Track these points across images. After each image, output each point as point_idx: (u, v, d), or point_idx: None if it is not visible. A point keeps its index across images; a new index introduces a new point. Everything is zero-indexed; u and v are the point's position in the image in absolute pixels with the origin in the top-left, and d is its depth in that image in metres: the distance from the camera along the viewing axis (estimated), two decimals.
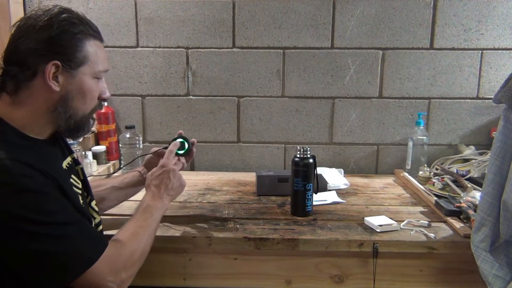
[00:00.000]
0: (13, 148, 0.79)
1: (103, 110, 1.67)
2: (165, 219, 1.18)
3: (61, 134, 0.98)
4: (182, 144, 1.16)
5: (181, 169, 1.20)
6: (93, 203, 1.01)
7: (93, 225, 0.96)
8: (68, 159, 0.98)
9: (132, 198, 1.24)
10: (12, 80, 0.83)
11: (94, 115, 0.98)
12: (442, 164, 1.66)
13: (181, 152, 1.16)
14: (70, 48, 0.84)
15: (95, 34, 0.89)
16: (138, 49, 1.72)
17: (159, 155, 1.21)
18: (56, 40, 0.83)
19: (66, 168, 0.95)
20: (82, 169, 1.03)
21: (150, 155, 1.21)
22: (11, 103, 0.84)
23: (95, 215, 1.00)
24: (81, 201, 0.93)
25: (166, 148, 1.18)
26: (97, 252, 0.82)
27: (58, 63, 0.83)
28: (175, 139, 1.17)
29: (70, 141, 1.09)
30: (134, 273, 0.90)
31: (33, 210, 0.75)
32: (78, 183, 0.97)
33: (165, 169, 1.07)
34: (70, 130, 0.91)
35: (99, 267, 0.81)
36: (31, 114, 0.85)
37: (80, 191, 0.95)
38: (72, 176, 0.96)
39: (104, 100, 0.96)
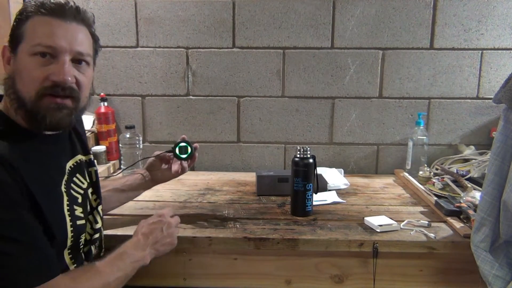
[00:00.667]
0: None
1: (100, 108, 1.67)
2: None
3: (79, 131, 0.98)
4: (185, 148, 1.18)
5: (182, 173, 1.20)
6: (100, 208, 1.00)
7: (91, 228, 0.94)
8: (78, 158, 0.96)
9: (134, 200, 1.24)
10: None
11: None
12: (442, 164, 1.66)
13: (184, 156, 1.18)
14: (13, 30, 0.84)
15: (42, 10, 0.82)
16: (138, 49, 1.72)
17: (161, 159, 1.21)
18: (12, 27, 0.84)
19: (71, 167, 0.93)
20: (96, 171, 1.01)
21: (152, 158, 1.22)
22: None
23: (98, 219, 0.98)
24: (78, 203, 0.91)
25: (168, 152, 1.19)
26: (38, 281, 0.73)
27: (6, 45, 0.85)
28: (178, 144, 1.18)
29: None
30: None
31: None
32: (83, 184, 0.95)
33: (161, 219, 1.01)
34: (27, 120, 0.82)
35: None
36: (9, 104, 0.83)
37: (82, 192, 0.94)
38: (77, 175, 0.94)
39: (56, 84, 0.81)
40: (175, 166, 1.20)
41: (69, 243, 0.86)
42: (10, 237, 0.72)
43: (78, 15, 0.85)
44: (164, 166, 1.22)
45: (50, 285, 0.75)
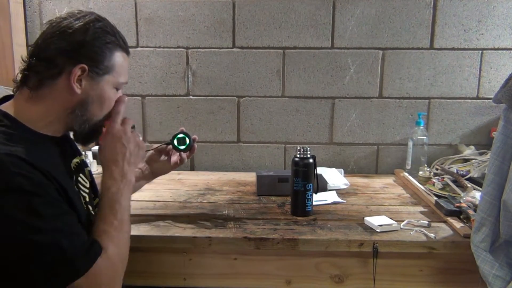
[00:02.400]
0: (18, 144, 0.77)
1: None
2: (166, 218, 1.19)
3: (72, 135, 0.98)
4: (183, 139, 1.18)
5: (181, 164, 1.21)
6: None
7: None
8: (77, 159, 0.98)
9: (132, 198, 1.24)
10: (36, 76, 0.84)
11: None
12: (442, 164, 1.66)
13: (182, 147, 1.18)
14: (99, 55, 0.86)
15: (124, 46, 0.92)
16: (138, 49, 1.72)
17: (160, 151, 1.22)
18: (88, 45, 0.85)
19: (75, 167, 0.95)
20: (89, 171, 1.03)
21: (151, 151, 1.22)
22: (29, 98, 0.84)
23: None
24: (87, 202, 0.93)
25: (167, 144, 1.19)
26: (93, 259, 0.78)
27: (85, 67, 0.84)
28: (176, 135, 1.18)
29: None
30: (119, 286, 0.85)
31: (24, 211, 0.72)
32: (86, 183, 0.97)
33: (114, 135, 0.93)
34: (83, 135, 0.92)
35: (85, 281, 0.76)
36: (46, 111, 0.85)
37: (87, 191, 0.96)
38: (81, 175, 0.96)
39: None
40: (174, 157, 1.22)
41: None
42: (59, 228, 0.76)
43: None
44: (163, 157, 1.23)
45: (104, 259, 0.80)
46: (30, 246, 0.72)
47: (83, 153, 1.53)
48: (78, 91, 0.85)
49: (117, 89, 0.93)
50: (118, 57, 0.90)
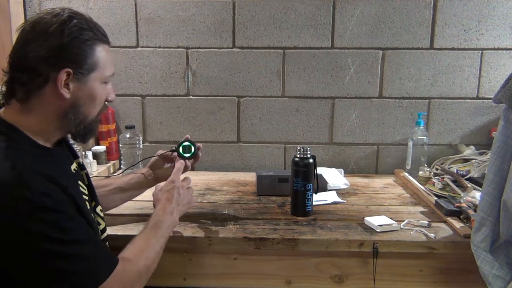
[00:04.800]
0: (29, 158, 0.78)
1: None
2: None
3: (66, 139, 0.98)
4: (188, 147, 1.19)
5: (185, 171, 1.21)
6: (98, 209, 1.00)
7: (99, 231, 0.96)
8: (74, 165, 0.97)
9: (133, 199, 1.25)
10: (23, 88, 0.82)
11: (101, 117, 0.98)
12: (442, 164, 1.66)
13: (187, 155, 1.19)
14: (81, 56, 0.84)
15: (103, 38, 0.89)
16: (138, 49, 1.72)
17: (164, 158, 1.22)
18: (67, 48, 0.82)
19: (73, 173, 0.95)
20: (87, 174, 1.02)
21: (156, 157, 1.22)
22: (21, 110, 0.83)
23: (100, 221, 0.99)
24: (89, 208, 0.94)
25: (172, 151, 1.20)
26: (108, 270, 0.82)
27: (70, 70, 0.82)
28: (182, 143, 1.18)
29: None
30: None
31: (51, 228, 0.74)
32: (84, 189, 0.96)
33: (174, 184, 1.07)
34: (80, 135, 0.92)
35: (107, 285, 0.80)
36: (41, 121, 0.84)
37: (87, 198, 0.95)
38: (79, 182, 0.95)
39: (110, 101, 0.96)
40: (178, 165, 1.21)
41: None
42: (81, 240, 0.79)
43: None
44: (167, 165, 1.23)
45: (119, 271, 0.83)
46: (57, 260, 0.75)
47: (83, 153, 1.53)
48: (67, 95, 0.83)
49: (105, 82, 0.92)
50: (100, 52, 0.87)
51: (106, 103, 0.95)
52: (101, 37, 0.88)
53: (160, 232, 0.98)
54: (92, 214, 0.96)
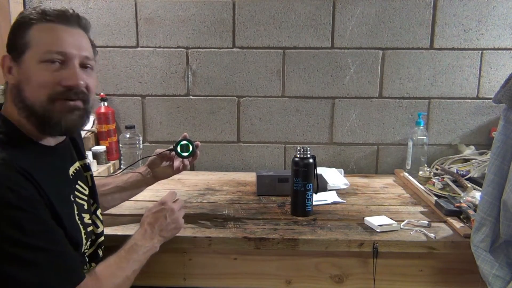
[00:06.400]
0: (12, 152, 0.77)
1: (100, 107, 1.67)
2: None
3: (76, 138, 0.98)
4: (186, 146, 1.18)
5: (183, 170, 1.21)
6: (99, 212, 1.00)
7: (83, 239, 0.92)
8: (76, 165, 0.96)
9: (133, 198, 1.25)
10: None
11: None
12: (442, 164, 1.66)
13: (185, 154, 1.18)
14: (14, 38, 0.83)
15: (46, 17, 0.83)
16: (138, 49, 1.72)
17: (162, 156, 1.22)
18: (9, 36, 0.84)
19: (72, 175, 0.93)
20: (91, 175, 1.02)
21: (154, 156, 1.22)
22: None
23: (98, 223, 0.98)
24: (85, 210, 0.92)
25: (170, 150, 1.20)
26: (71, 285, 0.77)
27: (8, 55, 0.84)
28: (180, 142, 1.18)
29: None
30: None
31: (8, 226, 0.70)
32: (85, 190, 0.96)
33: (164, 207, 1.03)
34: (39, 127, 0.82)
35: None
36: (15, 114, 0.82)
37: (86, 199, 0.94)
38: (79, 182, 0.94)
39: (69, 88, 0.83)
40: (177, 163, 1.21)
41: (83, 250, 0.88)
42: (41, 247, 0.73)
43: (80, 21, 0.87)
44: (165, 163, 1.23)
45: (93, 279, 0.81)
46: (8, 262, 0.71)
47: None
48: (13, 80, 0.83)
49: (49, 62, 0.81)
50: (35, 30, 0.82)
51: (71, 89, 0.83)
52: (43, 17, 0.83)
53: (135, 256, 0.93)
54: (92, 217, 0.96)
